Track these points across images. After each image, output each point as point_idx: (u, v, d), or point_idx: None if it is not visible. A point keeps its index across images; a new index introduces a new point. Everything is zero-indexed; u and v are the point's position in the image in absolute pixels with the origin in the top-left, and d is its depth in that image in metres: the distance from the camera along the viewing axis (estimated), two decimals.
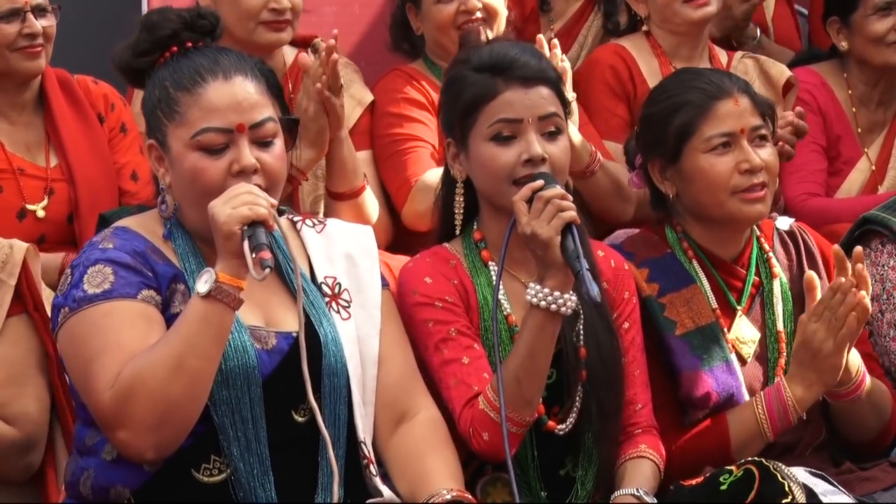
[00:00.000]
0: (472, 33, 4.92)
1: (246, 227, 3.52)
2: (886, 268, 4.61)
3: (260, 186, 3.66)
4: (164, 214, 3.76)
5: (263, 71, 4.07)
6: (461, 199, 4.10)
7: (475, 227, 4.09)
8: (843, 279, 4.09)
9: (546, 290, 3.81)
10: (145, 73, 3.77)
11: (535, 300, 3.83)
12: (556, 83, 4.05)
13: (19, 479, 4.07)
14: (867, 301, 4.06)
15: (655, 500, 3.94)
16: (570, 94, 4.63)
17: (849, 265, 4.09)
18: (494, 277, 4.05)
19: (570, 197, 3.84)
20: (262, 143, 3.71)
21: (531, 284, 3.85)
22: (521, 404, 3.83)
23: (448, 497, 3.72)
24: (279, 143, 3.74)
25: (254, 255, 3.49)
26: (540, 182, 3.86)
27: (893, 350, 4.52)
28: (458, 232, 4.11)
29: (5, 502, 4.10)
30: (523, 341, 3.87)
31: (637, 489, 3.95)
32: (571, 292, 3.83)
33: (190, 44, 3.75)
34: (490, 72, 4.00)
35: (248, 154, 3.67)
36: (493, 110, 3.98)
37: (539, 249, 3.82)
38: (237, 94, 3.69)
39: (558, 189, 3.84)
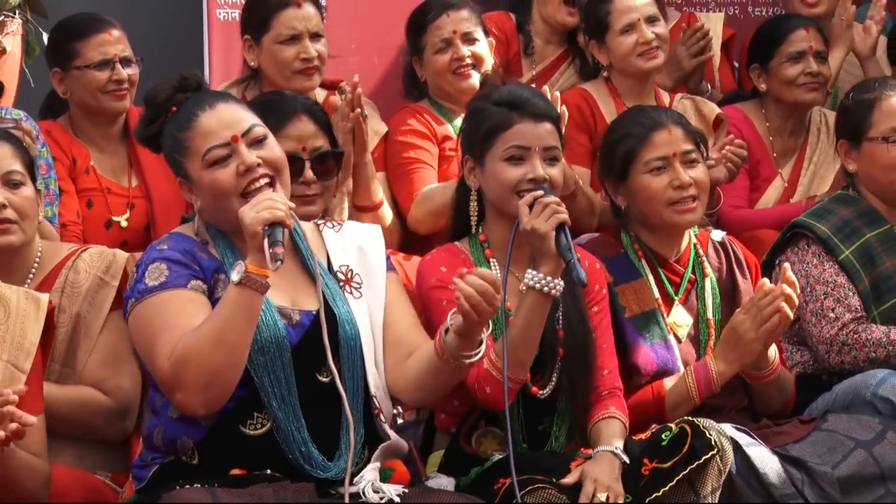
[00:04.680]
0: (489, 77, 5.10)
1: (267, 228, 3.63)
2: (810, 265, 4.78)
3: (268, 176, 3.79)
4: (195, 230, 3.87)
5: (316, 110, 4.39)
6: (475, 204, 4.23)
7: (480, 230, 4.23)
8: (775, 286, 4.22)
9: (541, 275, 3.96)
10: (159, 136, 3.91)
11: (531, 283, 3.97)
12: (557, 122, 4.22)
13: (115, 440, 4.19)
14: (788, 311, 4.21)
15: (627, 459, 4.03)
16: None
17: (792, 279, 4.24)
18: (496, 270, 4.14)
19: (564, 205, 4.01)
20: (257, 144, 3.82)
21: (529, 271, 3.98)
22: (516, 366, 3.98)
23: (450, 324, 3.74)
24: (271, 139, 3.86)
25: (270, 250, 3.60)
26: (541, 192, 4.03)
27: (814, 334, 4.71)
28: (473, 230, 4.22)
29: (101, 463, 4.20)
30: (521, 316, 4.00)
31: (615, 448, 4.05)
32: (560, 278, 3.99)
33: (183, 101, 3.88)
34: (508, 106, 4.15)
35: (248, 155, 3.78)
36: (509, 137, 4.13)
37: (537, 242, 3.96)
38: (223, 115, 3.82)
39: (555, 197, 4.02)
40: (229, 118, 3.82)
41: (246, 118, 3.85)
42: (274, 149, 3.85)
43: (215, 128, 3.80)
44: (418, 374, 3.89)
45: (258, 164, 3.78)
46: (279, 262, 3.60)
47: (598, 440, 4.14)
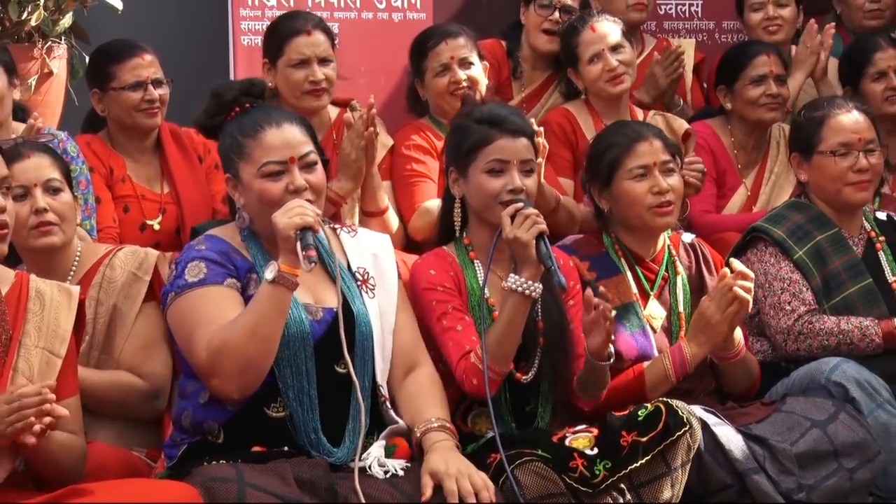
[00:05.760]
0: (469, 97, 5.15)
1: (298, 232, 3.75)
2: (768, 264, 4.94)
3: (310, 199, 3.87)
4: (241, 225, 3.98)
5: (302, 123, 4.22)
6: (459, 211, 4.35)
7: (465, 235, 4.36)
8: (729, 274, 4.39)
9: (522, 279, 4.09)
10: (217, 129, 4.04)
11: (514, 286, 4.09)
12: (531, 137, 4.34)
13: (149, 418, 4.32)
14: (745, 294, 4.34)
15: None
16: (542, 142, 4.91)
17: (746, 271, 4.38)
18: (479, 270, 4.28)
19: (542, 216, 4.14)
20: (308, 169, 3.94)
21: (511, 275, 4.10)
22: (500, 360, 4.12)
23: (435, 424, 3.94)
24: (319, 167, 3.97)
25: (303, 253, 3.72)
26: (521, 204, 4.16)
27: (773, 325, 4.87)
28: (457, 234, 4.33)
29: (138, 439, 4.31)
30: (504, 316, 4.12)
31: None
32: (539, 282, 4.12)
33: (248, 105, 4.02)
34: (488, 124, 4.27)
35: (299, 177, 3.90)
36: (490, 152, 4.25)
37: (519, 250, 4.09)
38: (286, 135, 3.92)
39: (534, 209, 4.15)
40: (291, 139, 3.93)
41: (305, 143, 3.96)
42: (320, 175, 3.96)
43: (277, 145, 3.91)
44: (406, 402, 4.01)
45: (305, 188, 3.90)
46: (313, 264, 3.71)
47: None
